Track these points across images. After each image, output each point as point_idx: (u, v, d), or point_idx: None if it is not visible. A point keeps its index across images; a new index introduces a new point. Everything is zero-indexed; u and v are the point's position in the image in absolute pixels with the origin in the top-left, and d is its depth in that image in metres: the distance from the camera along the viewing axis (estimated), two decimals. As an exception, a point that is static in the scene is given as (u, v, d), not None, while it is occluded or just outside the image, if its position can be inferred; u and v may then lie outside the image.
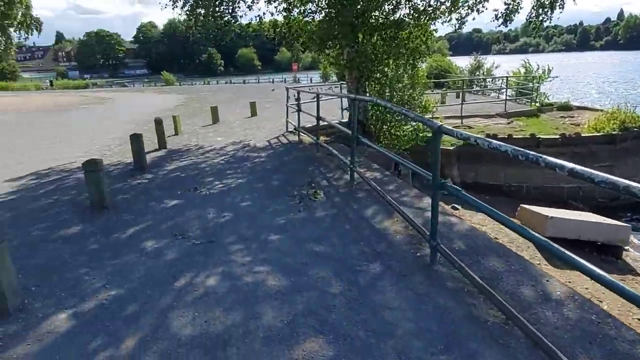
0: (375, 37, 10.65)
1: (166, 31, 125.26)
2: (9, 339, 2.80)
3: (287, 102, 12.27)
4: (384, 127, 10.92)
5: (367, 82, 10.87)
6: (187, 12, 11.11)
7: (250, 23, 12.39)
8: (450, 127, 3.18)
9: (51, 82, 79.36)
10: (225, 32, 12.48)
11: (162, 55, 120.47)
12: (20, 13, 33.00)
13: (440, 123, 3.30)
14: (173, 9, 11.16)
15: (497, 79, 23.68)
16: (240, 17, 11.63)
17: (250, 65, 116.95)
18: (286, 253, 3.96)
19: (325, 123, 8.32)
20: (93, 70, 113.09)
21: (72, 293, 3.35)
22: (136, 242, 4.35)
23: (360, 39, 10.38)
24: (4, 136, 14.21)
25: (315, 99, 8.21)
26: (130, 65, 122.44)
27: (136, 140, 7.64)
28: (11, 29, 34.00)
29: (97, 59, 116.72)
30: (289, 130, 11.49)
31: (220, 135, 11.88)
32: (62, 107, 28.34)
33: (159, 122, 10.05)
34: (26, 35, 35.41)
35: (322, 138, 8.93)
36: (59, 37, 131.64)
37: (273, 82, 51.84)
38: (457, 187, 3.23)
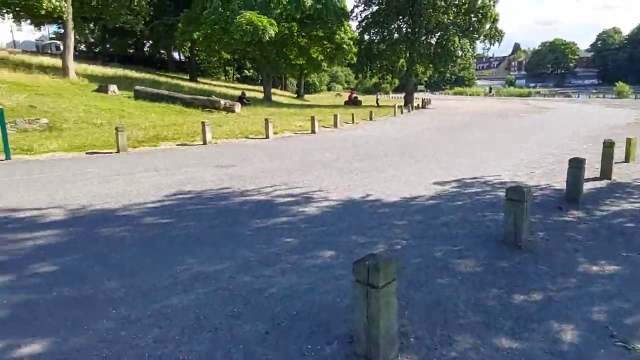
0: None
1: (631, 37, 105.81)
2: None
3: None
4: None
5: None
6: None
7: None
8: None
9: (490, 88, 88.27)
10: None
11: (618, 64, 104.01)
12: (487, 26, 36.52)
13: None
14: None
15: None
16: None
17: None
18: None
19: None
20: (539, 79, 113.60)
21: (449, 372, 2.49)
22: (524, 323, 3.01)
23: None
24: (438, 139, 15.77)
25: None
26: (579, 75, 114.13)
27: (577, 166, 6.05)
28: (477, 41, 38.22)
29: (547, 67, 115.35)
30: None
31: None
32: (499, 113, 29.46)
33: (609, 145, 7.88)
34: (489, 46, 38.96)
35: None
36: (516, 47, 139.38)
37: None
38: None
